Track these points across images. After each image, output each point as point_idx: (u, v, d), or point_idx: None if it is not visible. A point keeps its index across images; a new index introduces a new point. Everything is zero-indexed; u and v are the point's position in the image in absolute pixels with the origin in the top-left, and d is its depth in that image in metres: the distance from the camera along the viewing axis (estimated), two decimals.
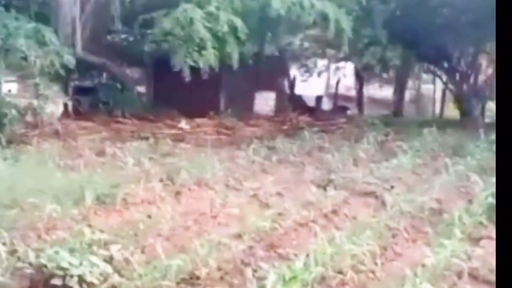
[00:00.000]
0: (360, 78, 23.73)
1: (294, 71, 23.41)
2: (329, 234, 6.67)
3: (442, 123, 17.87)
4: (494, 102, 21.33)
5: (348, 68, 23.73)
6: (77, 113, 15.27)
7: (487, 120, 20.15)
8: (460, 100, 20.58)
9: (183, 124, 15.40)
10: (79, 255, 5.42)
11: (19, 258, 5.58)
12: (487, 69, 21.53)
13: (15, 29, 11.86)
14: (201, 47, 13.82)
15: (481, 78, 21.09)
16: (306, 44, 22.51)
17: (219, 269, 5.91)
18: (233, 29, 14.25)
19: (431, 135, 14.41)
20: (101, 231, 6.35)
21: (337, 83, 23.75)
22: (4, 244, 5.75)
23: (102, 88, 16.92)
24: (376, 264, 6.28)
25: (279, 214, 7.70)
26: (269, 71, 18.68)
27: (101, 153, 11.26)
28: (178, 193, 8.77)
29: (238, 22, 14.19)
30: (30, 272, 5.32)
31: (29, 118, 12.41)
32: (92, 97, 16.35)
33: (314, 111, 20.42)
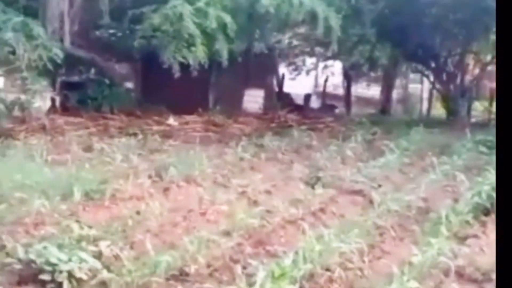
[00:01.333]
0: (348, 76, 23.82)
1: (283, 69, 23.43)
2: (317, 232, 6.72)
3: (429, 123, 18.00)
4: (480, 102, 21.63)
5: (337, 67, 23.81)
6: (65, 108, 15.18)
7: (473, 119, 20.34)
8: (447, 100, 20.74)
9: (172, 120, 15.37)
10: (68, 250, 5.40)
11: (7, 254, 5.56)
12: (473, 69, 21.74)
13: (3, 23, 11.75)
14: (190, 44, 13.79)
15: (468, 78, 21.29)
16: (295, 42, 22.54)
17: (208, 265, 5.92)
18: (222, 26, 14.23)
19: (418, 134, 14.50)
20: (90, 227, 6.33)
21: (326, 81, 23.83)
22: None
23: (90, 84, 16.80)
24: (363, 262, 6.33)
25: (268, 211, 7.72)
26: (258, 68, 18.72)
27: (89, 148, 11.22)
28: (166, 190, 8.76)
29: (227, 19, 14.16)
30: (19, 268, 5.30)
31: (16, 113, 12.33)
32: (80, 92, 16.22)
33: (302, 109, 20.48)
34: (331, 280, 5.84)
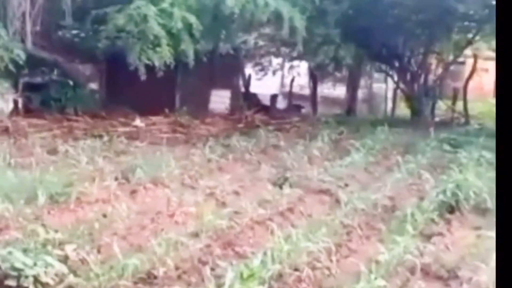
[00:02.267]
0: (314, 77, 23.94)
1: (249, 70, 23.43)
2: (285, 232, 6.76)
3: (394, 122, 18.26)
4: (444, 101, 22.02)
5: (302, 67, 23.91)
6: (28, 110, 14.90)
7: (437, 119, 20.68)
8: (411, 99, 21.03)
9: (138, 122, 15.24)
10: (33, 255, 5.32)
11: None
12: (436, 69, 22.11)
13: None
14: (156, 44, 13.67)
15: (431, 77, 21.63)
16: (260, 43, 22.54)
17: (176, 268, 5.90)
18: (188, 26, 14.15)
19: (383, 133, 14.69)
20: (56, 230, 6.25)
21: (292, 81, 23.92)
22: None
23: (54, 85, 16.49)
24: (331, 261, 6.40)
25: (236, 212, 7.74)
26: (224, 69, 18.70)
27: (53, 151, 11.03)
28: (133, 192, 8.70)
29: (193, 19, 14.08)
30: None
31: None
32: (43, 94, 15.91)
33: (269, 110, 20.52)
34: (299, 280, 5.89)
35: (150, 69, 13.55)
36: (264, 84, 23.36)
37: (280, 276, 5.82)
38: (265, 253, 5.89)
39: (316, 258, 6.32)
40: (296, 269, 5.99)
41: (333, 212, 8.07)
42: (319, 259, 6.33)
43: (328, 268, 6.27)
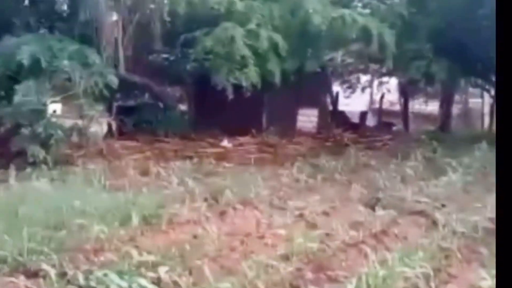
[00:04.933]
0: (405, 93, 23.34)
1: (336, 87, 23.18)
2: (380, 256, 6.48)
3: (492, 138, 17.34)
4: None
5: (392, 83, 23.37)
6: (121, 133, 15.38)
7: None
8: None
9: (226, 142, 15.35)
10: (128, 277, 5.37)
11: (68, 281, 5.54)
12: None
13: (60, 51, 12.03)
14: (243, 65, 13.81)
15: None
16: (348, 60, 22.28)
17: None
18: (274, 46, 14.22)
19: (480, 151, 13.97)
20: (149, 252, 6.29)
21: (381, 98, 23.40)
22: (53, 266, 5.74)
23: (145, 108, 17.04)
24: (430, 287, 6.04)
25: (327, 234, 7.54)
26: (311, 87, 18.51)
27: (145, 172, 11.30)
28: (222, 213, 8.68)
29: (279, 39, 14.16)
30: None
31: (74, 138, 12.56)
32: (135, 116, 16.44)
33: (358, 128, 20.10)
34: None
35: (237, 89, 13.66)
36: (352, 102, 23.04)
37: None
38: (359, 278, 5.65)
39: (414, 284, 5.98)
40: None
41: (430, 235, 7.68)
42: (417, 285, 5.99)
43: None
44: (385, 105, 23.81)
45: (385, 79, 23.17)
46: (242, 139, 15.75)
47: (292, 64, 15.89)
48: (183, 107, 18.74)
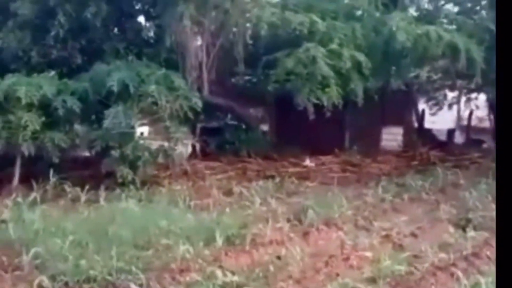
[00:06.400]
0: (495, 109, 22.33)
1: (422, 104, 22.54)
2: (472, 279, 6.20)
3: None
4: None
5: (481, 99, 22.43)
6: (205, 154, 15.66)
7: None
8: None
9: (308, 162, 15.27)
10: None
11: None
12: None
13: (147, 76, 12.45)
14: (324, 85, 13.71)
15: None
16: (434, 76, 21.61)
17: None
18: (357, 65, 14.04)
19: None
20: (233, 273, 6.31)
21: (470, 114, 22.49)
22: (140, 285, 5.88)
23: (228, 129, 17.31)
24: None
25: (415, 256, 7.31)
26: (395, 105, 18.09)
27: (228, 192, 11.41)
28: (306, 234, 8.60)
29: (362, 57, 13.98)
30: None
31: (160, 159, 12.91)
32: (219, 137, 16.75)
33: (445, 145, 19.36)
34: None
35: (319, 109, 13.57)
36: (439, 119, 22.29)
37: None
38: None
39: None
40: None
41: None
42: None
43: None
44: (474, 122, 22.86)
45: (473, 95, 22.27)
46: (324, 158, 15.60)
47: (376, 82, 15.62)
48: (265, 127, 18.86)
